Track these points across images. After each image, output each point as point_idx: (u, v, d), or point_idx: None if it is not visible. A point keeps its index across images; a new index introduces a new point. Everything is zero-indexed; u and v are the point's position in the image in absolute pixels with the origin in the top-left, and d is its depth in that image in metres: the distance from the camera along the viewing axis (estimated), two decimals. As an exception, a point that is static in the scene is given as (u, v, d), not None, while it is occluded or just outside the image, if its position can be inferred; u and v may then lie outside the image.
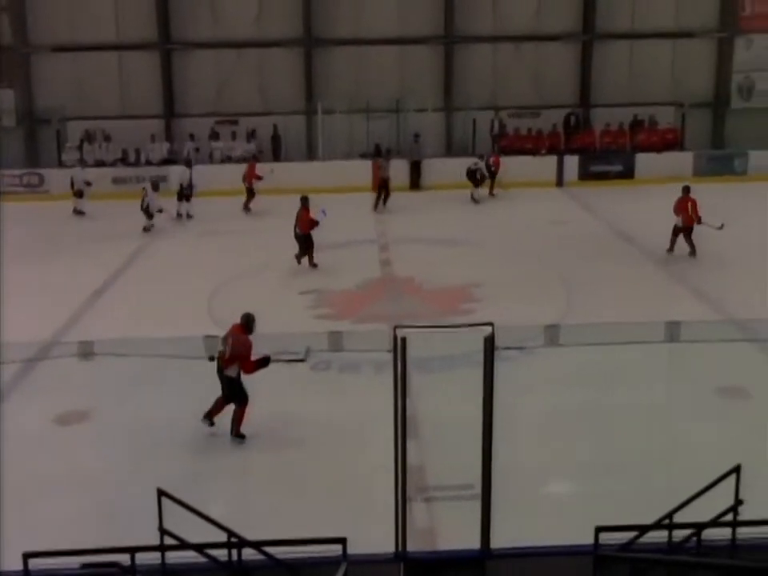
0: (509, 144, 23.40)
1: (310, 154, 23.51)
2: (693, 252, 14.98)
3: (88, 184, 20.31)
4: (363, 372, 10.04)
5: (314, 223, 14.56)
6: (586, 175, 22.63)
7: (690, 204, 14.80)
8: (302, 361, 9.16)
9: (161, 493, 5.33)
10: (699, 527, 5.78)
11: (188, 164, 20.24)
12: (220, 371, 8.37)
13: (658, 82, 23.95)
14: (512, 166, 21.55)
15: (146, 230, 18.04)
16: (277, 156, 23.37)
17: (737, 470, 6.51)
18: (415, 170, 22.56)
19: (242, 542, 5.36)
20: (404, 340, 5.41)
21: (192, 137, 23.13)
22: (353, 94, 23.30)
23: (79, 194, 20.17)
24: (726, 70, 24.39)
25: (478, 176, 20.75)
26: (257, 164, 20.57)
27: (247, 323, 8.48)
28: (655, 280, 14.00)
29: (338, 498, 7.38)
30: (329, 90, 23.61)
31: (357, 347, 9.91)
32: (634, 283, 13.63)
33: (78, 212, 20.12)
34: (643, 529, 5.76)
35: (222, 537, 5.38)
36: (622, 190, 21.67)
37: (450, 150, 23.99)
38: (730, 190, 20.33)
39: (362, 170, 21.74)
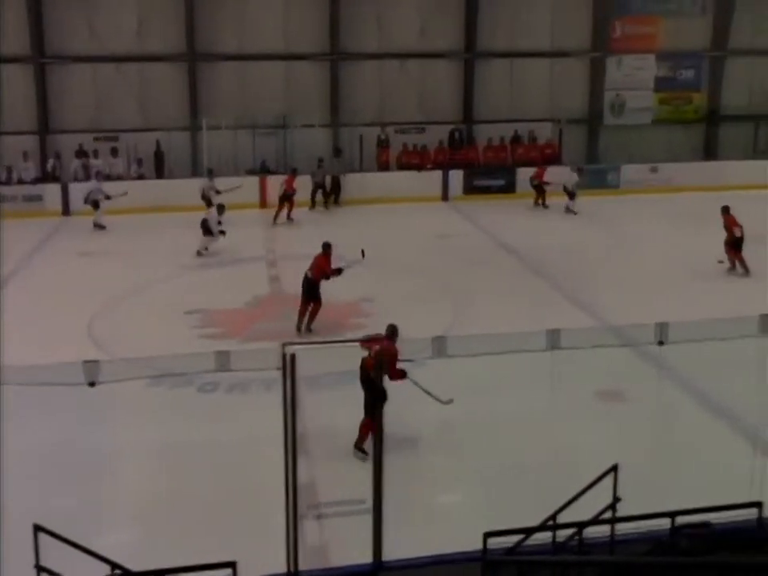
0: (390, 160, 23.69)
1: (195, 171, 23.08)
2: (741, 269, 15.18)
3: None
4: (252, 391, 9.92)
5: (334, 272, 12.36)
6: (470, 189, 23.19)
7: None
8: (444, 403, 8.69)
9: (37, 528, 5.09)
10: (581, 526, 5.99)
11: (98, 176, 19.72)
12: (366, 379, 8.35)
13: (536, 99, 24.92)
14: (398, 181, 21.94)
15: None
16: (160, 173, 22.83)
17: (614, 468, 6.81)
18: (336, 186, 22.38)
19: (127, 574, 5.18)
20: (293, 357, 5.39)
21: (58, 155, 22.28)
22: (239, 109, 23.08)
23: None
24: (598, 89, 25.65)
25: None
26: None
27: (393, 333, 8.70)
28: (535, 289, 14.50)
29: (227, 521, 7.25)
30: (214, 106, 23.30)
31: (245, 366, 9.79)
32: (516, 293, 14.10)
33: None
34: (529, 531, 5.93)
35: (106, 570, 5.19)
36: (504, 203, 22.33)
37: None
38: (605, 203, 21.34)
39: (249, 187, 21.47)
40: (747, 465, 7.72)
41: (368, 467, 5.78)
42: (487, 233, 18.94)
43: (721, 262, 15.43)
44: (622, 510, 6.70)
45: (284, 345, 5.46)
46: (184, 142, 23.25)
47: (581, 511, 6.80)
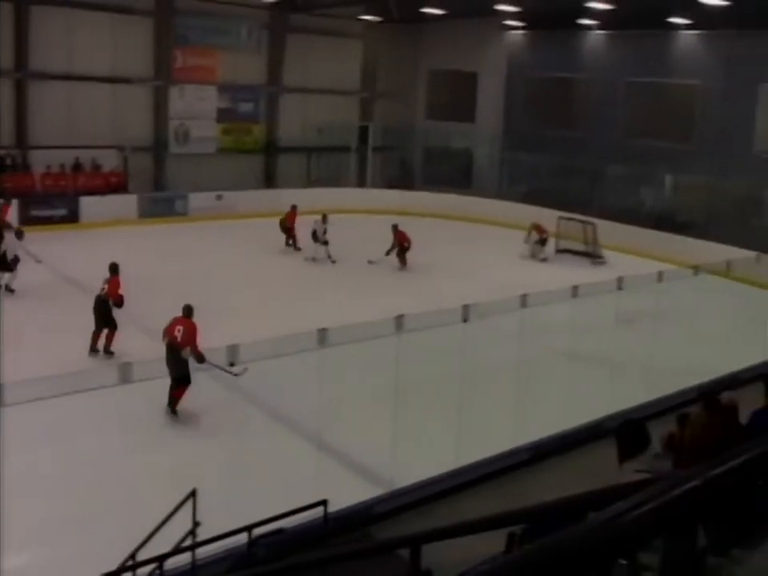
0: None
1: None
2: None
3: None
4: None
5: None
6: (28, 220, 21.38)
7: None
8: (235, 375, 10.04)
9: None
10: (161, 559, 5.95)
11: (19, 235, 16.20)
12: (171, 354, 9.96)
13: (99, 126, 24.02)
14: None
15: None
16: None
17: (193, 494, 6.90)
18: None
19: None
20: None
21: None
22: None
23: None
24: (163, 117, 25.73)
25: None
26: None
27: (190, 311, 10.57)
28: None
29: None
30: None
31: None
32: (82, 328, 13.36)
33: None
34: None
35: None
36: (67, 234, 21.11)
37: None
38: (174, 231, 21.52)
39: None
40: (313, 467, 8.42)
41: None
42: (50, 265, 17.72)
43: (371, 262, 18.79)
44: (204, 534, 6.82)
45: None
46: None
47: (166, 541, 6.76)
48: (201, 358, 10.24)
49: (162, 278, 16.78)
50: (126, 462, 8.21)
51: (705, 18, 22.12)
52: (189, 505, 6.99)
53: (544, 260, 21.14)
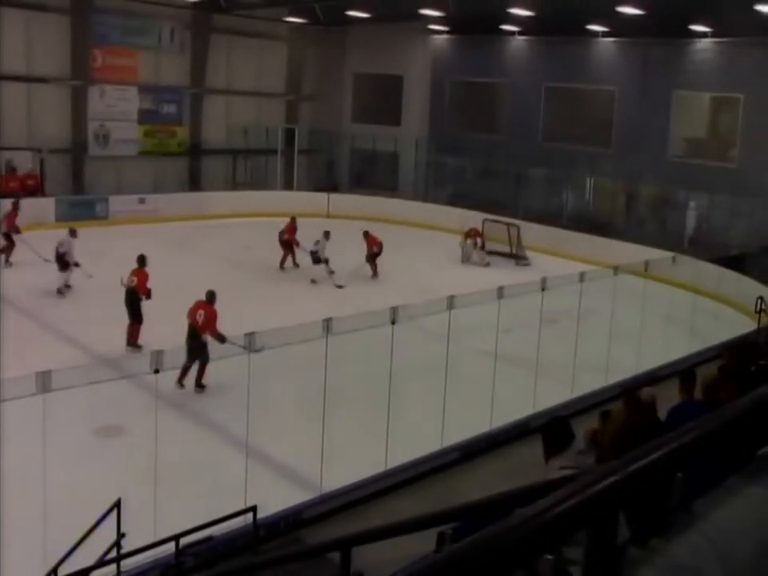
0: None
1: None
2: None
3: None
4: None
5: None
6: (-61, 223, 20.65)
7: None
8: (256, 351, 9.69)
9: None
10: (85, 572, 5.80)
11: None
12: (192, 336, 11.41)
13: (12, 126, 23.22)
14: None
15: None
16: None
17: (117, 504, 6.75)
18: None
19: None
20: None
21: None
22: None
23: None
24: (82, 118, 25.00)
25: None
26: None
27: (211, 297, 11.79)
28: (24, 330, 13.53)
29: None
30: None
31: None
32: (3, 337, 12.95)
33: None
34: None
35: None
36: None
37: None
38: (94, 235, 20.88)
39: None
40: (241, 474, 8.33)
41: None
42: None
43: (339, 286, 18.00)
44: (130, 545, 6.67)
45: None
46: None
47: (90, 554, 6.58)
48: (221, 339, 11.10)
49: (78, 284, 16.35)
50: (49, 474, 7.97)
51: (622, 26, 22.86)
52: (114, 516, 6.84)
53: (488, 264, 21.15)
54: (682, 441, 1.58)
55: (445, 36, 28.78)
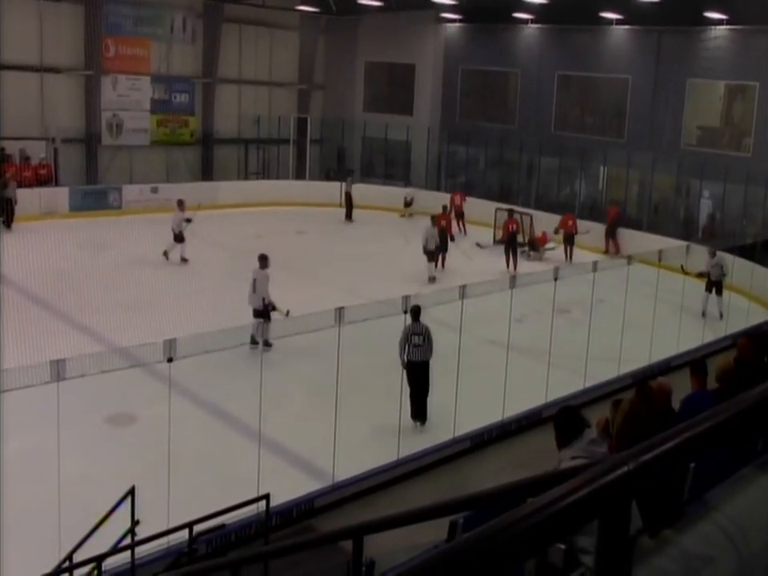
0: None
1: None
2: None
3: None
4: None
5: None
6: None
7: None
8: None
9: None
10: (99, 559, 5.85)
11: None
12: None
13: (26, 116, 23.33)
14: None
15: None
16: None
17: (131, 492, 6.79)
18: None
19: None
20: None
21: None
22: None
23: None
24: (95, 108, 25.01)
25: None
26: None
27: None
28: (35, 320, 13.59)
29: None
30: None
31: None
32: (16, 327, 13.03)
33: None
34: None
35: None
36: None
37: None
38: (108, 224, 20.98)
39: None
40: (254, 462, 8.36)
41: None
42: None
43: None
44: (144, 532, 6.72)
45: None
46: None
47: (104, 540, 6.64)
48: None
49: (91, 272, 16.37)
50: (64, 461, 8.04)
51: (635, 14, 22.67)
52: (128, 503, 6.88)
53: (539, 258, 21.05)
54: (695, 431, 1.57)
55: (457, 24, 28.60)
